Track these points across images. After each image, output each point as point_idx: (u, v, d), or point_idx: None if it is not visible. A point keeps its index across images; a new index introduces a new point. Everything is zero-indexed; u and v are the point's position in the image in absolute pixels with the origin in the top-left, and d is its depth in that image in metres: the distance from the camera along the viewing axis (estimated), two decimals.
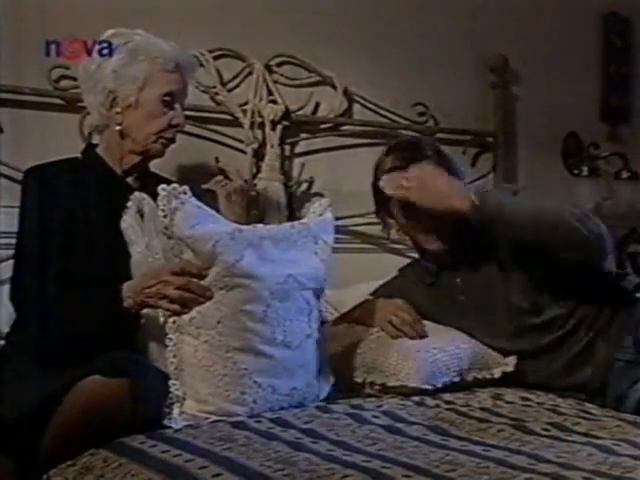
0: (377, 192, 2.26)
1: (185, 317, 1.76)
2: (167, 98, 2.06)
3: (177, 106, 2.08)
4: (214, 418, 1.71)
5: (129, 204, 1.92)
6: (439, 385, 2.00)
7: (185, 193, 1.79)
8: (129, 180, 2.10)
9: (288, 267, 1.86)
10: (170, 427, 1.67)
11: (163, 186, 1.78)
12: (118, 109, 2.05)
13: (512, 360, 2.10)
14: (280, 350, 1.80)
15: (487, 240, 2.12)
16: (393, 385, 1.99)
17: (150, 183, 2.08)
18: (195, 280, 1.76)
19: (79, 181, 2.02)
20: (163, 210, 1.77)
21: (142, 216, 1.92)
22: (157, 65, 2.04)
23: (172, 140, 2.11)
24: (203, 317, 1.76)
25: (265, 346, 1.78)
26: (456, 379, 2.03)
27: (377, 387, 2.03)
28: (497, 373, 2.09)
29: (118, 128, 2.06)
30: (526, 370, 2.12)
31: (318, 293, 1.94)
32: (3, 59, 2.33)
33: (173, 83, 2.07)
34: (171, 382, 1.74)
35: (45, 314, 1.83)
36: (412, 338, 2.09)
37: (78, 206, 1.97)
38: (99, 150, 2.11)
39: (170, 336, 1.75)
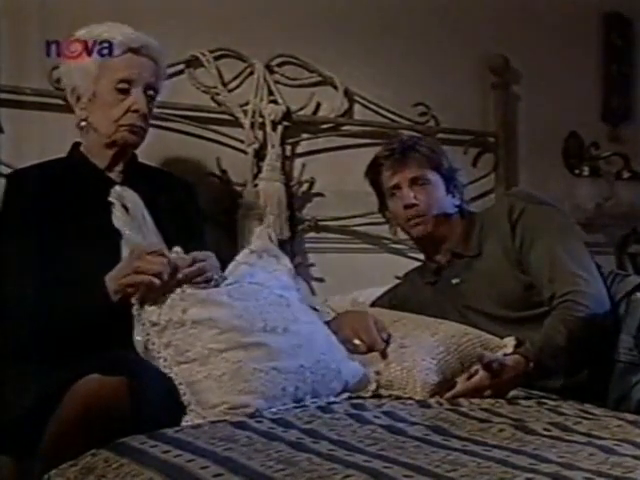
0: (376, 187, 2.32)
1: (170, 351, 1.78)
2: (121, 85, 2.03)
3: (135, 91, 2.05)
4: (235, 413, 1.72)
5: (111, 199, 1.90)
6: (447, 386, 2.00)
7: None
8: (112, 175, 2.08)
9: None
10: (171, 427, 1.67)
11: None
12: (82, 105, 2.06)
13: (510, 341, 2.08)
14: (267, 336, 1.82)
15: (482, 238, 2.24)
16: (400, 395, 1.99)
17: (136, 175, 2.08)
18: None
19: (61, 181, 2.02)
20: None
21: (127, 210, 1.91)
22: None
23: (135, 126, 2.06)
24: (183, 343, 1.79)
25: (248, 338, 1.80)
26: (458, 378, 2.01)
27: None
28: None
29: (83, 124, 2.07)
30: None
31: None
32: (3, 59, 2.34)
33: (126, 69, 2.04)
34: (188, 410, 1.75)
35: (27, 316, 1.83)
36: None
37: (60, 205, 1.96)
38: (82, 148, 2.11)
39: (172, 374, 1.77)
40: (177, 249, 1.87)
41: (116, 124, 2.04)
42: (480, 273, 2.21)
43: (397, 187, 2.29)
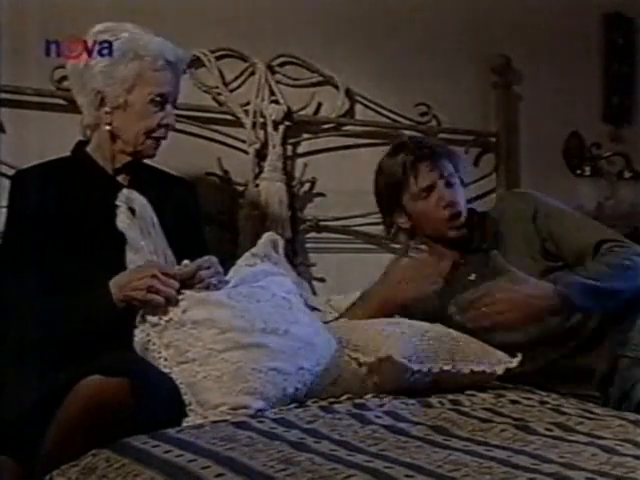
0: (384, 196, 2.33)
1: (170, 352, 1.78)
2: (158, 99, 2.01)
3: (168, 106, 2.03)
4: (235, 414, 1.72)
5: (118, 202, 1.89)
6: (425, 369, 1.93)
7: None
8: (119, 178, 2.07)
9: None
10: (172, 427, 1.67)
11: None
12: (107, 109, 2.02)
13: (517, 358, 2.05)
14: (267, 337, 1.81)
15: (491, 235, 2.27)
16: (372, 362, 1.92)
17: (142, 177, 2.07)
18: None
19: (67, 181, 2.01)
20: None
21: (133, 213, 1.90)
22: (145, 64, 1.99)
23: (163, 138, 2.06)
24: (183, 343, 1.78)
25: (248, 338, 1.79)
26: (447, 367, 1.97)
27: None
28: (500, 370, 2.03)
29: (108, 128, 2.03)
30: (534, 354, 2.10)
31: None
32: (4, 59, 2.33)
33: (163, 83, 2.01)
34: (188, 410, 1.75)
35: (30, 318, 1.83)
36: None
37: (66, 207, 1.95)
38: (89, 149, 2.08)
39: (172, 374, 1.77)
40: (186, 262, 1.87)
41: (145, 136, 2.02)
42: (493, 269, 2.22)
43: (431, 188, 2.28)
